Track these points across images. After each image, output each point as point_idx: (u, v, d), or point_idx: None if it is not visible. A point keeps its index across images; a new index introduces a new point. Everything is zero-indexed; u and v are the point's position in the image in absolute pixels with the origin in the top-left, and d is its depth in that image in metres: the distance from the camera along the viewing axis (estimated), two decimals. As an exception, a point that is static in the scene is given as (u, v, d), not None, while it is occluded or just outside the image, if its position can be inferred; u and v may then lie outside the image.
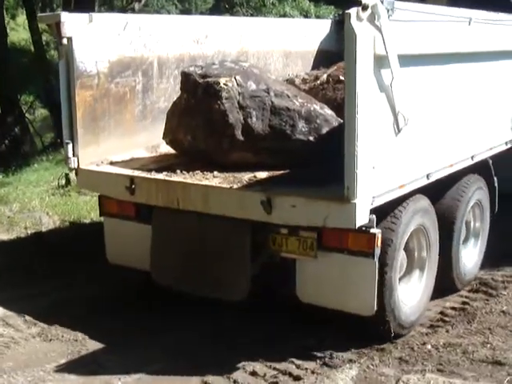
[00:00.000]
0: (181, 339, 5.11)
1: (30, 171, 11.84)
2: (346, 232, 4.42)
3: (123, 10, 17.33)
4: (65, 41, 5.24)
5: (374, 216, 4.37)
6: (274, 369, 4.67)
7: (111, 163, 5.53)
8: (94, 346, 5.05)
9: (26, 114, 17.28)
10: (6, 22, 16.02)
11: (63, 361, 4.85)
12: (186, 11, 22.17)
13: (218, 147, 5.12)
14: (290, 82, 6.20)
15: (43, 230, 7.85)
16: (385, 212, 4.70)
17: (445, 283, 5.65)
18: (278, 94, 5.13)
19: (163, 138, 5.62)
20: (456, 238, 5.67)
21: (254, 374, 4.62)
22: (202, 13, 21.05)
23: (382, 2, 4.12)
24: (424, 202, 5.14)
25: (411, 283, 5.24)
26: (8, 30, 16.24)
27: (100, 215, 5.85)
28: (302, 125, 5.07)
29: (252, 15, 15.86)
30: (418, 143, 4.80)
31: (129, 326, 5.34)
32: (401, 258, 4.94)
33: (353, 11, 3.91)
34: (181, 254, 5.05)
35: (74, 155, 5.42)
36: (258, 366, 4.69)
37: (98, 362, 4.82)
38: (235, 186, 4.66)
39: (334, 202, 4.18)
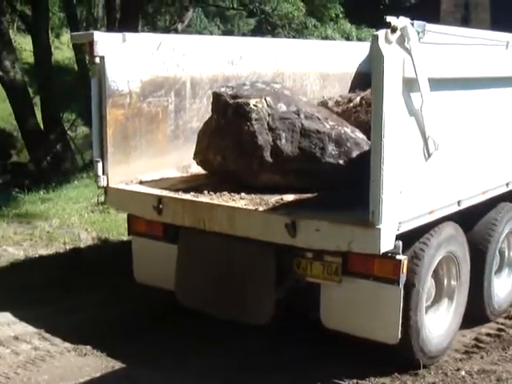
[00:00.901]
0: (209, 361, 5.06)
1: (70, 188, 11.97)
2: (372, 257, 4.34)
3: (166, 30, 17.53)
4: (97, 60, 5.28)
5: (400, 242, 4.28)
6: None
7: (141, 182, 5.53)
8: (126, 362, 5.05)
9: (68, 132, 17.50)
10: (50, 40, 16.29)
11: (97, 375, 4.89)
12: (228, 32, 22.33)
13: (247, 168, 5.09)
14: (323, 104, 6.16)
15: (81, 246, 7.92)
16: (413, 238, 4.60)
17: (476, 313, 5.51)
18: (309, 116, 5.09)
19: (194, 159, 5.61)
20: (488, 267, 5.52)
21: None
22: (243, 34, 21.20)
23: (413, 25, 4.06)
24: (455, 229, 5.02)
25: (439, 312, 5.11)
26: (52, 49, 16.50)
27: (128, 234, 5.86)
28: (331, 148, 5.01)
29: (294, 37, 15.92)
30: (449, 169, 4.70)
31: (158, 344, 5.33)
32: (428, 286, 4.82)
33: (381, 33, 3.86)
34: (206, 275, 5.01)
35: (103, 173, 5.45)
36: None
37: (130, 377, 4.83)
38: (260, 209, 4.62)
39: (358, 227, 4.10)
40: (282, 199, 4.83)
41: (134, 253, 5.75)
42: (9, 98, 15.98)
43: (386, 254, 4.26)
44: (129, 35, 5.55)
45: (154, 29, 16.26)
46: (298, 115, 5.08)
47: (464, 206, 4.98)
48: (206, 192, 5.07)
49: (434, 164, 4.48)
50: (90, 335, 5.45)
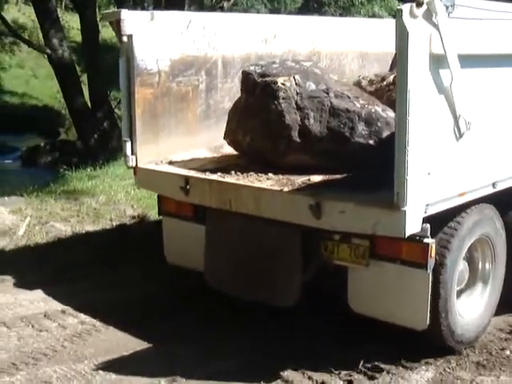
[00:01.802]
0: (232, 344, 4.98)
1: (116, 165, 12.03)
2: (399, 241, 4.20)
3: (213, 8, 17.42)
4: (125, 38, 5.23)
5: (427, 225, 4.13)
6: (349, 368, 4.54)
7: (170, 163, 5.48)
8: (163, 339, 5.04)
9: (115, 110, 17.62)
10: (97, 18, 16.39)
11: (139, 349, 4.92)
12: (275, 10, 22.14)
13: (275, 148, 4.99)
14: (357, 83, 5.98)
15: (127, 222, 7.99)
16: (443, 220, 4.44)
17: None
18: (338, 94, 4.94)
19: (224, 139, 5.53)
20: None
21: (329, 372, 4.51)
22: (290, 12, 20.97)
23: (441, -1, 3.89)
24: (490, 211, 4.83)
25: (473, 296, 4.94)
26: (100, 27, 16.59)
27: (159, 215, 5.83)
28: (361, 127, 4.86)
29: (341, 15, 15.68)
30: (482, 149, 4.52)
31: (189, 324, 5.29)
32: (461, 269, 4.66)
33: (406, 7, 3.70)
34: (233, 257, 4.95)
35: (132, 153, 5.42)
36: (333, 366, 4.56)
37: (168, 353, 4.83)
38: (286, 189, 4.52)
39: (383, 209, 3.97)
40: (309, 180, 4.72)
41: (164, 233, 5.72)
42: (57, 76, 16.17)
43: (413, 237, 4.13)
44: (157, 13, 5.49)
45: (200, 7, 16.16)
46: (328, 94, 4.94)
47: (500, 188, 4.78)
48: (233, 173, 4.99)
49: (466, 144, 4.31)
50: (132, 311, 5.50)
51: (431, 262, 4.20)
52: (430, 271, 4.22)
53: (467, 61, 4.14)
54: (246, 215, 4.74)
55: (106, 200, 8.84)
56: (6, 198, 8.74)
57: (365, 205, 4.10)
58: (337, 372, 4.50)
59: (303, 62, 5.25)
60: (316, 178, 4.74)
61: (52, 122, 21.56)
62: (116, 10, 5.32)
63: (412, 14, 3.73)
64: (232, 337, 5.00)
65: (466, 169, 4.39)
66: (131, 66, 5.30)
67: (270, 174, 4.87)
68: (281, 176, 4.84)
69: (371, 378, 4.46)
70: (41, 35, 16.25)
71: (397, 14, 3.72)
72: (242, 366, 4.64)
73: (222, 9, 16.37)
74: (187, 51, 5.67)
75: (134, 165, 5.43)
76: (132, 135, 5.41)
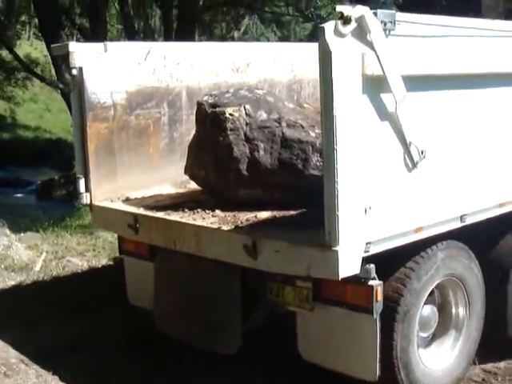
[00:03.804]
0: None
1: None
2: (343, 283, 3.77)
3: (223, 38, 17.40)
4: (74, 71, 4.98)
5: (371, 265, 3.71)
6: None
7: (126, 200, 5.18)
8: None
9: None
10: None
11: None
12: (284, 38, 22.10)
13: (226, 183, 4.65)
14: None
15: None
16: (398, 260, 4.02)
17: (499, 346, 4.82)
18: (291, 124, 4.58)
19: (185, 173, 5.20)
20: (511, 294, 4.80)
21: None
22: (300, 39, 20.85)
23: (376, 15, 3.51)
24: (458, 249, 4.37)
25: (445, 345, 4.46)
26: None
27: (119, 254, 5.54)
28: (316, 158, 4.47)
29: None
30: (445, 180, 4.06)
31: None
32: (425, 315, 4.22)
33: (329, 25, 3.33)
34: (178, 299, 4.64)
35: (86, 190, 5.14)
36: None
37: None
38: (224, 227, 4.16)
39: (315, 249, 3.57)
40: (255, 216, 4.35)
41: (126, 274, 5.41)
42: (69, 109, 16.17)
43: (358, 278, 3.71)
44: (111, 44, 5.24)
45: (210, 37, 16.15)
46: (280, 123, 4.58)
47: (470, 221, 4.32)
48: (180, 210, 4.66)
49: (422, 174, 3.88)
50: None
51: (377, 307, 3.76)
52: (376, 316, 3.78)
53: (418, 83, 3.76)
54: (190, 255, 4.40)
55: (121, 234, 8.69)
56: (22, 233, 8.66)
57: (298, 244, 3.71)
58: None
59: (257, 90, 4.91)
60: (263, 215, 4.37)
61: (65, 155, 21.65)
62: (65, 42, 5.07)
63: (337, 33, 3.35)
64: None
65: (422, 201, 3.94)
66: (83, 100, 5.05)
67: (217, 211, 4.53)
68: (228, 213, 4.49)
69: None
70: (53, 70, 16.31)
71: (319, 33, 3.36)
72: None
73: (232, 38, 16.28)
74: (146, 83, 5.40)
75: (88, 202, 5.16)
76: (86, 172, 5.13)
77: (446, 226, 4.15)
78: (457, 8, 4.27)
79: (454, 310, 4.51)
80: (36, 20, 19.55)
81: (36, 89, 29.98)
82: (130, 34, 15.20)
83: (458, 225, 4.24)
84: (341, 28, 3.36)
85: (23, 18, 25.08)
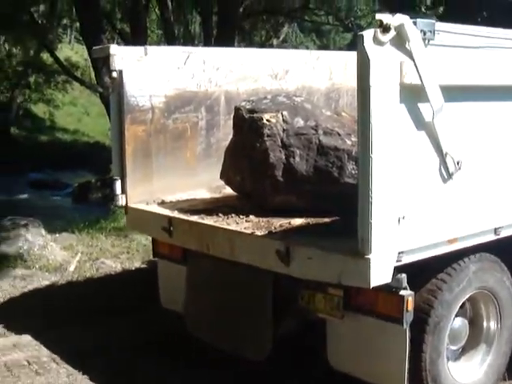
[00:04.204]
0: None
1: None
2: (374, 292, 3.77)
3: (262, 45, 17.47)
4: (114, 74, 5.05)
5: (403, 275, 3.69)
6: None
7: (161, 203, 5.22)
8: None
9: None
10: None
11: None
12: (323, 47, 22.11)
13: (261, 189, 4.67)
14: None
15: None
16: (430, 271, 4.00)
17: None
18: (328, 131, 4.59)
19: (220, 178, 5.23)
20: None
21: None
22: (340, 48, 20.86)
23: (416, 24, 3.51)
24: (491, 262, 4.33)
25: (475, 359, 4.42)
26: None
27: (153, 256, 5.57)
28: (351, 167, 4.47)
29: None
30: (480, 192, 4.04)
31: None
32: (455, 327, 4.19)
33: (368, 33, 3.34)
34: (208, 303, 4.65)
35: (122, 192, 5.20)
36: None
37: None
38: (257, 233, 4.17)
39: (347, 256, 3.57)
40: (289, 223, 4.36)
41: (159, 276, 5.45)
42: (108, 113, 16.36)
43: (389, 288, 3.70)
44: (151, 48, 5.31)
45: (250, 45, 16.24)
46: (316, 131, 4.59)
47: (504, 235, 4.28)
48: (215, 214, 4.69)
49: (457, 186, 3.86)
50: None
51: (408, 317, 3.74)
52: (406, 326, 3.75)
53: (455, 93, 3.74)
54: (223, 259, 4.42)
55: (156, 237, 8.75)
56: (57, 234, 8.74)
57: (331, 251, 3.71)
58: None
59: (294, 97, 4.92)
60: (297, 221, 4.38)
61: (103, 158, 21.91)
62: (106, 45, 5.16)
63: (376, 41, 3.36)
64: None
65: (457, 213, 3.92)
66: (122, 103, 5.11)
67: (252, 217, 4.55)
68: (262, 219, 4.50)
69: None
70: (93, 74, 16.51)
71: (358, 41, 3.37)
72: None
73: (271, 46, 16.35)
74: (185, 87, 5.45)
75: (123, 204, 5.21)
76: (122, 174, 5.19)
77: (479, 238, 4.13)
78: (498, 20, 4.20)
79: (485, 324, 4.46)
80: (77, 24, 19.80)
81: (76, 92, 30.37)
82: (170, 40, 15.33)
83: (492, 237, 4.21)
84: (380, 36, 3.37)
85: (65, 21, 25.46)
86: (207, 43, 14.81)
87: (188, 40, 17.11)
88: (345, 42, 23.48)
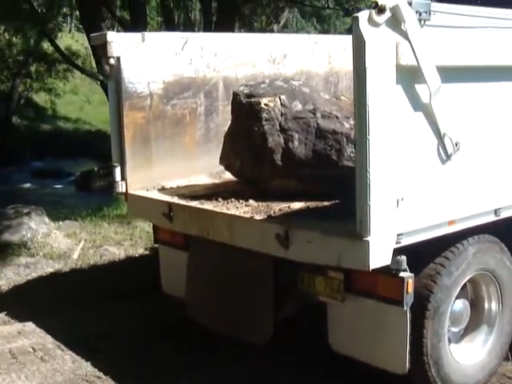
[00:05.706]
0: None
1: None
2: (374, 274, 3.76)
3: (262, 30, 17.39)
4: (112, 61, 5.04)
5: (402, 257, 3.69)
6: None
7: (162, 188, 5.23)
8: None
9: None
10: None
11: None
12: (324, 31, 21.98)
13: (260, 173, 4.67)
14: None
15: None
16: (430, 253, 3.99)
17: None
18: (326, 115, 4.58)
19: (220, 163, 5.23)
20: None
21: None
22: (340, 33, 20.76)
23: (411, 4, 3.49)
24: (491, 243, 4.32)
25: (477, 341, 4.42)
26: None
27: (154, 243, 5.59)
28: (350, 150, 4.46)
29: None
30: (479, 172, 4.03)
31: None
32: (456, 309, 4.19)
33: (363, 14, 3.32)
34: (210, 288, 4.66)
35: (122, 179, 5.21)
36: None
37: None
38: (257, 217, 4.17)
39: (346, 239, 3.57)
40: (288, 207, 4.36)
41: (160, 262, 5.46)
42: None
43: (389, 270, 3.70)
44: (148, 34, 5.29)
45: (250, 30, 16.17)
46: (314, 114, 4.58)
47: (505, 216, 4.27)
48: (215, 199, 4.69)
49: (456, 167, 3.85)
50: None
51: (408, 299, 3.74)
52: (407, 308, 3.76)
53: (453, 74, 3.72)
54: (223, 244, 4.43)
55: (159, 223, 8.77)
56: (61, 222, 8.81)
57: (330, 234, 3.71)
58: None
59: (292, 81, 4.91)
60: (296, 205, 4.38)
61: (105, 147, 21.94)
62: (104, 32, 5.14)
63: (371, 22, 3.34)
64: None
65: (456, 194, 3.91)
66: (120, 90, 5.10)
67: (251, 201, 4.55)
68: (261, 203, 4.50)
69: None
70: (93, 62, 16.46)
71: (353, 22, 3.35)
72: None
73: (271, 31, 16.27)
74: (183, 73, 5.44)
75: (123, 191, 5.22)
76: (122, 160, 5.20)
77: (479, 219, 4.12)
78: (497, 1, 4.17)
79: (486, 305, 4.46)
80: (77, 12, 19.72)
81: (77, 81, 30.34)
82: (170, 27, 15.29)
83: (492, 218, 4.20)
84: (375, 17, 3.35)
85: (64, 10, 25.37)
86: (207, 30, 14.77)
87: (188, 26, 17.06)
88: (345, 26, 23.40)
